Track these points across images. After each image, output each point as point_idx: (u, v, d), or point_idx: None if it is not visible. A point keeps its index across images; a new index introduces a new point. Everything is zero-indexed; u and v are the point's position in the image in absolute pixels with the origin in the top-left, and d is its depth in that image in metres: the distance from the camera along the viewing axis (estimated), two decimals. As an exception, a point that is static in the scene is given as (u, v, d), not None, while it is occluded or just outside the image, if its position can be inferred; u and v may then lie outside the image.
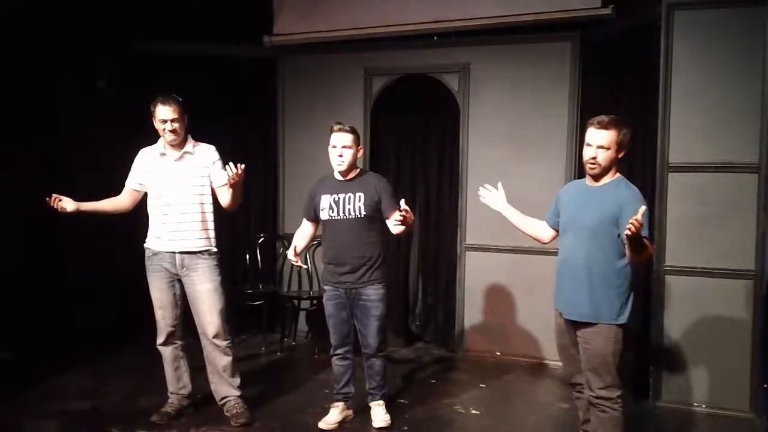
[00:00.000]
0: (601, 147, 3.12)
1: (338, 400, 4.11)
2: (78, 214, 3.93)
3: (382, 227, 3.96)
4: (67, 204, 3.87)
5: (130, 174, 4.08)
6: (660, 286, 4.39)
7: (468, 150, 5.54)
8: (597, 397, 3.19)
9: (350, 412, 4.15)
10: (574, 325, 3.24)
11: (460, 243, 5.62)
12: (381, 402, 4.11)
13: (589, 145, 3.17)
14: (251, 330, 5.97)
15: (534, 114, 5.32)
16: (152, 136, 4.04)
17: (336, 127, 3.92)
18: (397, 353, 5.61)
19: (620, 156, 3.19)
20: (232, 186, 3.80)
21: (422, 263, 6.00)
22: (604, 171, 3.17)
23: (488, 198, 3.63)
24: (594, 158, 3.14)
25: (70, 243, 5.29)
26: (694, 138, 4.31)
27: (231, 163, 3.73)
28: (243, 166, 3.73)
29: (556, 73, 5.25)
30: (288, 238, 5.36)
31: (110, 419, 4.08)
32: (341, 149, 3.87)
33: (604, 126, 3.13)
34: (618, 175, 3.22)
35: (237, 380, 4.10)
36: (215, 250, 4.04)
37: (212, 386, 4.13)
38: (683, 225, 4.34)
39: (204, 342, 4.05)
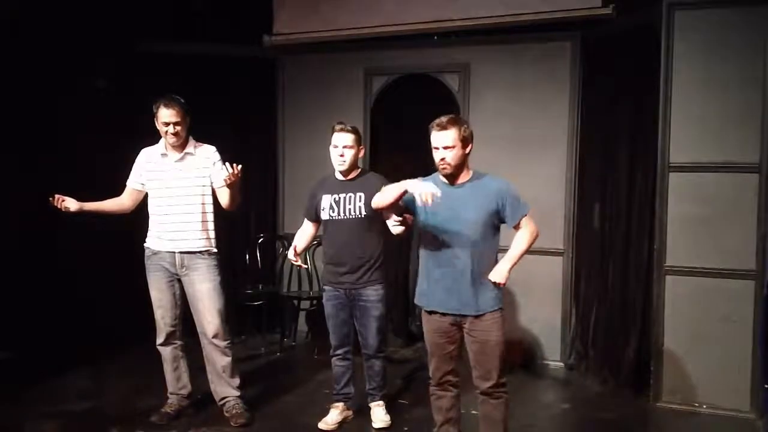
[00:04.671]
0: (447, 147, 3.18)
1: (338, 401, 4.11)
2: (81, 213, 3.94)
3: (382, 228, 3.93)
4: (71, 204, 3.88)
5: (132, 174, 4.09)
6: (660, 286, 4.39)
7: (468, 150, 5.52)
8: (496, 385, 3.24)
9: (350, 412, 4.14)
10: (462, 322, 3.25)
11: (460, 243, 5.60)
12: (381, 402, 4.11)
13: (436, 148, 3.21)
14: (251, 330, 5.96)
15: (534, 114, 5.32)
16: (153, 136, 4.04)
17: (338, 127, 3.92)
18: (397, 353, 5.60)
19: (467, 152, 3.24)
20: (229, 186, 3.80)
21: (422, 263, 5.99)
22: (456, 169, 3.22)
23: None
24: (443, 159, 3.19)
25: (71, 243, 5.28)
26: (694, 138, 4.30)
27: (227, 163, 3.74)
28: (240, 166, 3.72)
29: (557, 73, 5.24)
30: (288, 238, 5.36)
31: (110, 419, 4.08)
32: (342, 149, 3.87)
33: (443, 127, 3.18)
34: (472, 170, 3.28)
35: (237, 380, 4.10)
36: (215, 250, 4.04)
37: (212, 386, 4.13)
38: (683, 225, 4.33)
39: (204, 342, 4.05)
